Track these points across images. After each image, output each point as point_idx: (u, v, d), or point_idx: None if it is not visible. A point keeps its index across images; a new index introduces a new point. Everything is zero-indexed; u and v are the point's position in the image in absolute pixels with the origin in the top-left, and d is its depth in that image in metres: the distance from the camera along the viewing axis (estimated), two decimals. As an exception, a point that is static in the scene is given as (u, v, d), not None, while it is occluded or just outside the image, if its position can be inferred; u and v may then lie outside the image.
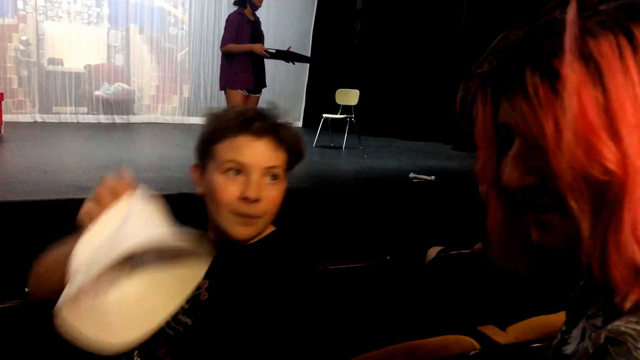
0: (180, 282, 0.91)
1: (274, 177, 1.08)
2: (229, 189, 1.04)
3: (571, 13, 0.47)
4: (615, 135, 0.45)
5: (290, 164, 1.12)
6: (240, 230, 1.07)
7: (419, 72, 7.85)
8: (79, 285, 0.79)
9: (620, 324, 0.45)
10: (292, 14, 9.10)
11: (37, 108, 7.64)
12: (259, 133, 1.06)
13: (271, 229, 1.15)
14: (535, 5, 0.53)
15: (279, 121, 1.10)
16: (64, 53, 7.89)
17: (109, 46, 8.27)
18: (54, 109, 7.79)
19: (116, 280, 0.88)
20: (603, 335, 0.46)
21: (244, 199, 1.03)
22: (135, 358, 1.07)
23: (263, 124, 1.06)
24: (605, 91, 0.45)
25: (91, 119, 8.00)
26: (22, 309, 1.25)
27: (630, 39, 0.45)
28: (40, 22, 7.62)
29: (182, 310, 1.06)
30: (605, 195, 0.46)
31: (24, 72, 7.55)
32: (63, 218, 3.15)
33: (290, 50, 5.34)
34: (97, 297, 0.86)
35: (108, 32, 8.24)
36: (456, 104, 0.58)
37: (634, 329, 0.44)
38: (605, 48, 0.46)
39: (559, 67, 0.47)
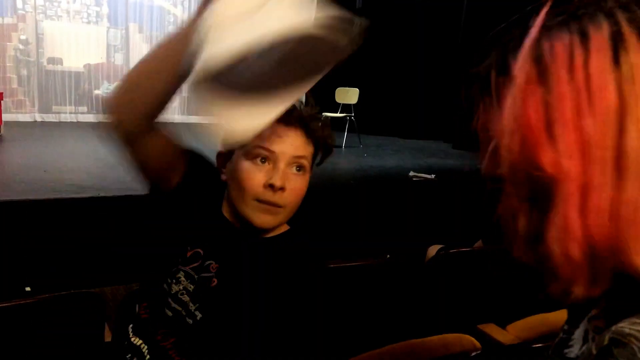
0: (306, 75, 0.85)
1: (300, 168, 1.08)
2: (255, 175, 1.04)
3: (540, 16, 0.48)
4: (552, 134, 0.46)
5: (317, 157, 1.13)
6: (263, 219, 1.06)
7: (418, 71, 7.83)
8: (215, 58, 0.75)
9: (624, 326, 0.45)
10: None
11: (36, 107, 7.63)
12: (290, 122, 1.06)
13: (286, 227, 1.15)
14: (531, 3, 0.53)
15: (310, 113, 1.11)
16: (64, 52, 7.88)
17: (108, 45, 8.26)
18: (54, 108, 7.78)
19: (246, 60, 0.79)
20: (607, 337, 0.45)
21: (270, 186, 1.03)
22: (142, 347, 1.07)
23: (294, 114, 1.07)
24: (549, 91, 0.46)
25: (91, 118, 7.99)
26: (22, 309, 1.25)
27: (584, 39, 0.46)
28: (39, 22, 7.61)
29: (187, 291, 1.06)
30: (542, 190, 0.48)
31: (24, 72, 7.54)
32: (63, 217, 3.15)
33: None
34: (228, 75, 0.79)
35: (107, 31, 8.22)
36: (461, 102, 0.59)
37: (639, 331, 0.44)
38: (558, 49, 0.46)
39: (514, 69, 0.48)
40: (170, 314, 1.06)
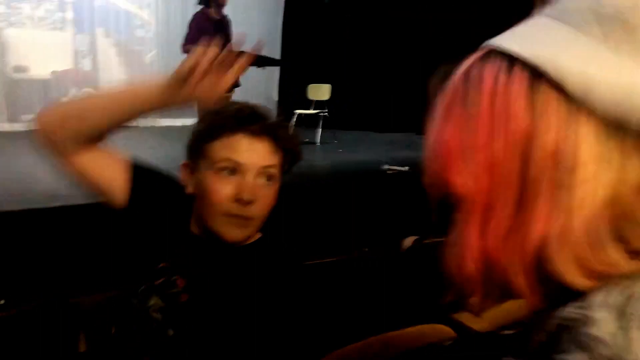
0: None
1: (269, 177, 1.05)
2: (222, 189, 1.02)
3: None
4: (464, 156, 0.47)
5: (286, 165, 1.10)
6: (234, 232, 1.04)
7: (390, 64, 7.87)
8: None
9: (570, 310, 0.46)
10: (259, 11, 9.04)
11: (5, 117, 7.48)
12: (256, 132, 1.04)
13: (258, 234, 1.13)
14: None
15: (276, 121, 1.09)
16: (30, 60, 7.72)
17: (75, 51, 8.12)
18: (23, 117, 7.62)
19: None
20: (555, 323, 0.46)
21: (238, 200, 1.01)
22: None
23: (261, 123, 1.05)
24: (469, 112, 0.47)
25: (61, 125, 7.86)
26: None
27: (511, 65, 0.46)
28: (2, 29, 7.45)
29: (157, 307, 1.04)
30: (450, 206, 0.50)
31: (-11, 82, 7.40)
32: (36, 228, 3.10)
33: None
34: None
35: (74, 37, 8.09)
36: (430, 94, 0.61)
37: (581, 314, 0.45)
38: (487, 73, 0.47)
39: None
40: (143, 330, 1.04)
